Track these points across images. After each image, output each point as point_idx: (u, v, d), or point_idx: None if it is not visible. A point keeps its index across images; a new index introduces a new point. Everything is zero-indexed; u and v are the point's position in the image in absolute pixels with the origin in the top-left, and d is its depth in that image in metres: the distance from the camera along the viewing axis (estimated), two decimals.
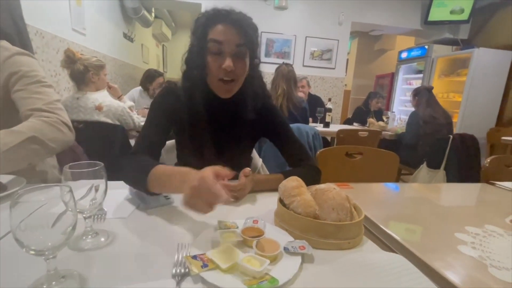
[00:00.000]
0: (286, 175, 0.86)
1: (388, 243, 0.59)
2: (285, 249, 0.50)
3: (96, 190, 0.51)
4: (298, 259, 0.47)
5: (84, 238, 0.51)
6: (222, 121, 0.88)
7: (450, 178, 2.31)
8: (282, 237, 0.54)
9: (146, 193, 0.65)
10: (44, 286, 0.38)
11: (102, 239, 0.52)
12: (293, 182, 0.62)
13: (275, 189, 0.82)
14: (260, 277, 0.42)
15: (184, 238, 0.54)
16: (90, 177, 0.50)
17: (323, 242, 0.53)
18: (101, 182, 0.51)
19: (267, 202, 0.76)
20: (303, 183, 0.62)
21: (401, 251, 0.55)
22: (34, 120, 0.81)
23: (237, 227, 0.57)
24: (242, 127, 0.89)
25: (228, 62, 0.74)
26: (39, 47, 1.93)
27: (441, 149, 2.34)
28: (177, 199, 0.74)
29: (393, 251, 0.57)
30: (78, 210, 0.48)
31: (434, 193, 1.01)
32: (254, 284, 0.40)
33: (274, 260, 0.48)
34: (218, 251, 0.47)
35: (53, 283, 0.39)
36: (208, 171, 0.50)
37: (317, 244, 0.53)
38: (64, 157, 1.19)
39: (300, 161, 0.91)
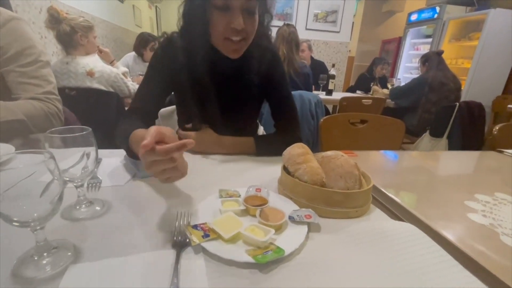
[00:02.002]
0: (258, 140, 0.82)
1: (396, 212, 0.57)
2: (290, 218, 0.47)
3: (88, 158, 0.48)
4: (304, 228, 0.45)
5: (77, 207, 0.48)
6: (227, 82, 0.80)
7: (452, 147, 2.29)
8: (286, 206, 0.51)
9: (135, 159, 0.62)
10: (35, 258, 0.36)
11: (97, 208, 0.49)
12: (298, 149, 0.58)
13: (244, 153, 0.81)
14: (265, 247, 0.40)
15: (184, 207, 0.51)
16: (78, 143, 0.45)
17: (330, 211, 0.50)
18: (91, 150, 0.47)
19: (270, 170, 0.73)
20: (309, 150, 0.58)
21: (410, 219, 0.53)
22: (34, 105, 0.83)
23: (239, 196, 0.55)
24: (248, 88, 0.82)
25: (238, 21, 0.63)
26: (19, 5, 1.77)
27: (446, 117, 2.29)
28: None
29: (401, 220, 0.55)
30: (68, 179, 0.45)
31: (442, 161, 0.98)
32: (259, 255, 0.38)
33: (278, 229, 0.45)
34: (219, 221, 0.45)
35: (44, 254, 0.36)
36: (149, 134, 0.41)
37: (324, 212, 0.50)
38: (56, 126, 1.15)
39: (284, 127, 0.86)
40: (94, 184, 0.58)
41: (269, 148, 0.81)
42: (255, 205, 0.50)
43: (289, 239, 0.43)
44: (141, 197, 0.55)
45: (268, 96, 0.87)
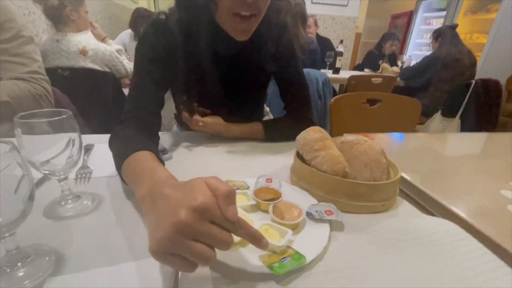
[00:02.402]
0: (266, 124, 0.74)
1: (425, 205, 0.50)
2: (308, 214, 0.41)
3: (73, 146, 0.41)
4: (326, 227, 0.39)
5: (62, 203, 0.42)
6: (232, 65, 0.71)
7: (465, 128, 2.19)
8: (302, 199, 0.44)
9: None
10: (8, 270, 0.30)
11: (86, 203, 0.43)
12: (315, 133, 0.50)
13: (252, 139, 0.73)
14: (281, 253, 0.34)
15: None
16: (56, 128, 0.38)
17: (353, 205, 0.44)
18: (74, 136, 0.40)
19: (281, 157, 0.66)
20: (327, 135, 0.50)
21: (443, 214, 0.47)
22: (19, 86, 0.75)
23: (248, 188, 0.48)
24: (255, 71, 0.73)
25: None
26: None
27: (460, 96, 2.17)
28: (177, 155, 0.64)
29: (431, 214, 0.48)
30: (47, 172, 0.38)
31: (467, 144, 0.90)
32: (275, 262, 0.32)
33: (295, 229, 0.39)
34: None
35: (19, 264, 0.30)
36: (206, 186, 0.28)
37: (346, 207, 0.44)
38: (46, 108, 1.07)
39: (295, 109, 0.77)
40: (83, 175, 0.51)
41: (279, 132, 0.74)
42: (266, 199, 0.43)
43: (309, 241, 0.36)
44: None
45: (277, 75, 0.77)
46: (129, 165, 0.41)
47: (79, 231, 0.38)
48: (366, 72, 3.08)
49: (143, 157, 0.41)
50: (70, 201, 0.42)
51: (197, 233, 0.25)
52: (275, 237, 0.35)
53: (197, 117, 0.69)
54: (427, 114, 2.45)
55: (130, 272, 0.31)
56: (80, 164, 0.55)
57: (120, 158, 0.43)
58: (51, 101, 0.91)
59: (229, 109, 0.73)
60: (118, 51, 1.60)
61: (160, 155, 0.49)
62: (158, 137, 0.60)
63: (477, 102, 2.10)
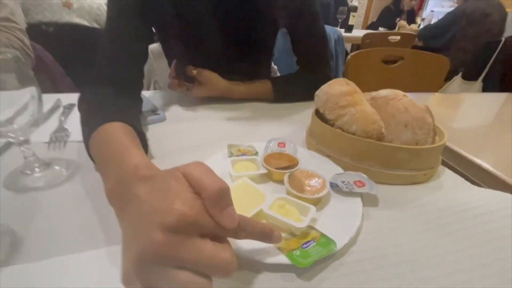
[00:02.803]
0: (276, 82, 0.63)
1: (470, 175, 0.42)
2: (333, 186, 0.32)
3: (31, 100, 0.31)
4: (357, 203, 0.30)
5: (28, 172, 0.34)
6: (233, 11, 0.57)
7: (487, 92, 2.03)
8: (324, 168, 0.36)
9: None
10: None
11: (58, 172, 0.35)
12: (341, 86, 0.40)
13: (259, 100, 0.62)
14: (303, 235, 0.26)
15: None
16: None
17: (388, 175, 0.35)
18: (32, 91, 0.31)
19: (293, 119, 0.56)
20: (357, 88, 0.40)
21: (494, 185, 0.38)
22: None
23: (256, 153, 0.39)
24: (262, 18, 0.59)
25: None
26: None
27: (485, 56, 1.97)
28: (171, 115, 0.55)
29: (479, 186, 0.39)
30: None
31: (507, 106, 0.79)
32: (295, 249, 0.24)
33: (317, 204, 0.31)
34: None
35: None
36: (187, 185, 0.19)
37: (379, 177, 0.35)
38: (26, 63, 0.96)
39: (310, 62, 0.65)
40: (59, 139, 0.43)
41: (291, 91, 0.63)
42: (280, 167, 0.35)
43: (337, 220, 0.28)
44: None
45: (289, 24, 0.64)
46: (96, 143, 0.31)
47: (46, 206, 0.30)
48: (381, 30, 2.82)
49: (114, 133, 0.30)
50: (37, 169, 0.34)
51: (180, 259, 0.16)
52: (293, 215, 0.27)
53: (190, 67, 0.58)
54: (446, 77, 2.27)
55: (112, 259, 0.24)
56: (55, 126, 0.46)
57: (87, 129, 0.33)
58: (30, 55, 0.80)
59: (231, 68, 0.62)
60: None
61: (140, 124, 0.39)
62: (139, 100, 0.48)
63: (505, 63, 1.91)
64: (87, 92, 0.42)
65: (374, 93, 0.42)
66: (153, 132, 0.48)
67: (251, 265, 0.24)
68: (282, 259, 0.23)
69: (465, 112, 0.72)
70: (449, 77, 2.19)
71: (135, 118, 0.39)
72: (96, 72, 0.45)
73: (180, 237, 0.16)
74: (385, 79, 1.06)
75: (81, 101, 0.41)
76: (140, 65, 0.49)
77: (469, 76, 2.05)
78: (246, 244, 0.24)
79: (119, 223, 0.20)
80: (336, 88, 0.39)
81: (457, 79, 2.14)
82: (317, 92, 0.42)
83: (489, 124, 0.64)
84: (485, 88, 2.01)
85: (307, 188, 0.31)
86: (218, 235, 0.19)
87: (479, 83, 2.05)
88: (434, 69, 1.06)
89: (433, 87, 1.09)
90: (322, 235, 0.26)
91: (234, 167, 0.35)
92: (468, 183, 0.37)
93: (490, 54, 1.95)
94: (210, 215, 0.18)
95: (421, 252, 0.26)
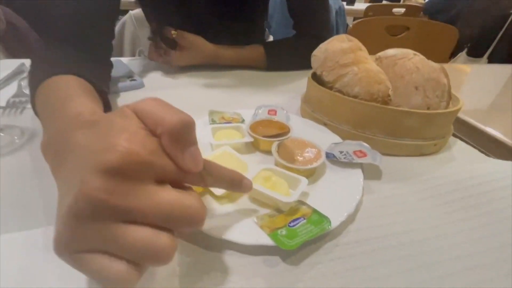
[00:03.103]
0: (269, 47, 0.56)
1: (481, 148, 0.37)
2: (329, 156, 0.28)
3: None
4: (357, 175, 0.26)
5: None
6: None
7: None
8: (319, 137, 0.31)
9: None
10: None
11: (9, 139, 0.30)
12: (343, 42, 0.34)
13: (250, 67, 0.56)
14: (291, 212, 0.22)
15: None
16: None
17: (394, 144, 0.30)
18: None
19: (287, 88, 0.51)
20: (360, 44, 0.34)
21: (508, 157, 0.33)
22: None
23: (243, 121, 0.34)
24: None
25: None
26: None
27: (493, 32, 1.88)
28: (150, 82, 0.49)
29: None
30: None
31: None
32: (281, 227, 0.20)
33: (310, 176, 0.26)
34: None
35: None
36: (136, 119, 0.14)
37: (383, 147, 0.30)
38: (3, 36, 0.88)
39: (308, 26, 0.57)
40: (16, 104, 0.37)
41: (286, 57, 0.57)
42: (269, 135, 0.30)
43: (332, 195, 0.24)
44: None
45: None
46: (42, 95, 0.25)
47: None
48: (385, 3, 2.67)
49: (64, 84, 0.25)
50: None
51: (128, 209, 0.12)
52: (281, 189, 0.23)
53: (169, 28, 0.51)
54: (450, 54, 2.18)
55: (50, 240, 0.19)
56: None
57: (33, 83, 0.27)
58: (1, 19, 0.72)
59: (218, 28, 0.55)
60: None
61: (105, 86, 0.33)
62: (108, 64, 0.41)
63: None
64: (41, 49, 0.35)
65: (380, 53, 0.36)
66: (128, 99, 0.42)
67: (225, 247, 0.19)
68: (264, 239, 0.19)
69: (472, 83, 0.66)
70: (453, 54, 2.11)
71: (98, 78, 0.33)
72: (57, 27, 0.38)
73: (126, 183, 0.12)
74: None
75: (33, 57, 0.34)
76: (108, 22, 0.41)
77: (475, 53, 1.97)
78: (219, 221, 0.20)
79: (56, 184, 0.15)
80: (336, 45, 0.34)
81: (462, 55, 2.05)
82: (315, 52, 0.36)
83: (497, 95, 0.59)
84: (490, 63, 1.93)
85: (298, 158, 0.27)
86: (179, 182, 0.14)
87: (484, 60, 1.97)
88: (441, 41, 0.99)
89: (440, 60, 1.02)
90: (314, 211, 0.21)
91: (215, 135, 0.30)
92: (482, 155, 0.33)
93: (498, 29, 1.85)
94: (169, 156, 0.14)
95: (429, 232, 0.22)
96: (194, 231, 0.18)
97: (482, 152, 0.35)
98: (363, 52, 0.33)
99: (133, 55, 0.97)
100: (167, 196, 0.13)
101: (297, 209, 0.22)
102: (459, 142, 0.35)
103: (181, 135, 0.14)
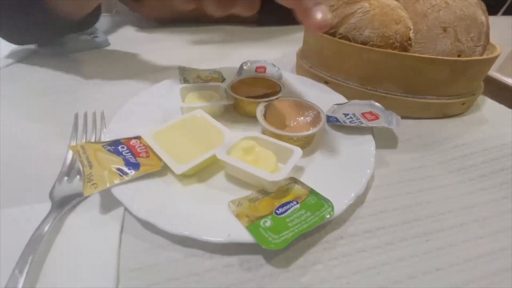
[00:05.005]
0: None
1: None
2: (331, 120, 0.21)
3: None
4: (368, 143, 0.20)
5: None
6: None
7: None
8: (318, 97, 0.25)
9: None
10: None
11: None
12: None
13: (234, 23, 0.46)
14: (281, 193, 0.16)
15: (106, 101, 0.25)
16: None
17: (413, 104, 0.24)
18: None
19: (281, 39, 0.43)
20: None
21: None
22: None
23: (223, 80, 0.27)
24: None
25: None
26: None
27: None
28: (117, 40, 0.41)
29: None
30: None
31: None
32: (265, 216, 0.14)
33: (307, 146, 0.20)
34: (171, 130, 0.19)
35: None
36: None
37: (399, 107, 0.24)
38: None
39: None
40: None
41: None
42: (254, 95, 0.23)
43: (335, 170, 0.18)
44: (36, 90, 0.28)
45: None
46: None
47: None
48: None
49: None
50: None
51: None
52: (268, 162, 0.17)
53: None
54: None
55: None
56: None
57: None
58: None
59: None
60: None
61: None
62: None
63: None
64: None
65: None
66: (90, 58, 0.35)
67: (187, 246, 0.14)
68: (239, 234, 0.13)
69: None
70: None
71: None
72: None
73: None
74: None
75: None
76: None
77: (488, 10, 1.81)
78: (179, 210, 0.15)
79: None
80: None
81: None
82: None
83: None
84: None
85: (291, 123, 0.21)
86: None
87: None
88: None
89: None
90: (312, 192, 0.16)
91: (187, 96, 0.24)
92: None
93: None
94: None
95: (464, 215, 0.16)
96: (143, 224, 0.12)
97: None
98: None
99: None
100: None
101: (288, 190, 0.16)
102: (489, 101, 0.29)
103: None
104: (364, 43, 0.24)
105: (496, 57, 0.24)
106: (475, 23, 0.24)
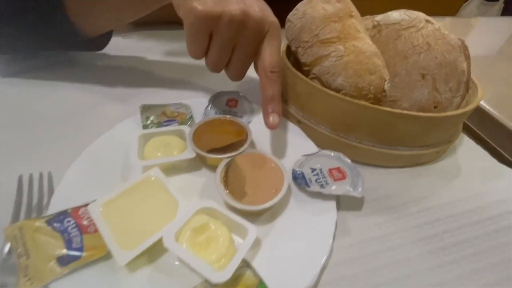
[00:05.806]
0: None
1: (498, 147, 0.30)
2: (296, 176, 0.20)
3: None
4: (330, 210, 0.19)
5: None
6: None
7: (506, 13, 1.75)
8: (288, 142, 0.23)
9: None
10: None
11: None
12: (328, 3, 0.23)
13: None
14: (231, 284, 0.15)
15: (53, 158, 0.23)
16: None
17: (384, 155, 0.23)
18: None
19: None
20: (352, 8, 0.24)
21: None
22: None
23: (190, 118, 0.26)
24: None
25: None
26: None
27: None
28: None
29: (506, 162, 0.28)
30: None
31: None
32: None
33: (266, 212, 0.20)
34: (122, 199, 0.18)
35: None
36: None
37: (370, 156, 0.23)
38: None
39: None
40: None
41: None
42: (218, 146, 0.22)
43: (292, 246, 0.18)
44: None
45: None
46: None
47: None
48: None
49: None
50: None
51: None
52: (219, 246, 0.16)
53: None
54: None
55: None
56: None
57: None
58: None
59: None
60: None
61: None
62: None
63: None
64: None
65: (379, 17, 0.26)
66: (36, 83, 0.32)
67: None
68: None
69: (481, 39, 0.55)
70: None
71: None
72: None
73: None
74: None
75: None
76: None
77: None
78: None
79: None
80: (318, 9, 0.23)
81: None
82: (290, 15, 0.26)
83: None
84: (506, 9, 1.73)
85: (250, 190, 0.19)
86: None
87: (500, 3, 1.75)
88: None
89: (451, 10, 0.87)
90: (261, 283, 0.15)
91: (147, 145, 0.22)
92: (498, 164, 0.26)
93: None
94: None
95: None
96: None
97: (495, 150, 0.29)
98: (354, 21, 0.23)
99: None
100: None
101: (238, 278, 0.16)
102: (466, 139, 0.28)
103: None
104: (336, 90, 0.22)
105: (473, 109, 0.23)
106: (455, 72, 0.22)
